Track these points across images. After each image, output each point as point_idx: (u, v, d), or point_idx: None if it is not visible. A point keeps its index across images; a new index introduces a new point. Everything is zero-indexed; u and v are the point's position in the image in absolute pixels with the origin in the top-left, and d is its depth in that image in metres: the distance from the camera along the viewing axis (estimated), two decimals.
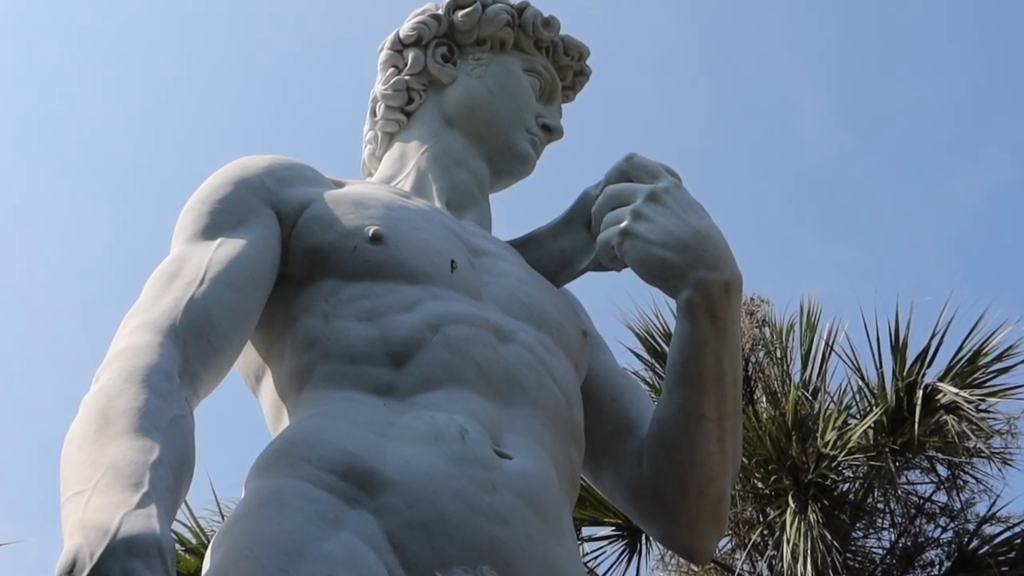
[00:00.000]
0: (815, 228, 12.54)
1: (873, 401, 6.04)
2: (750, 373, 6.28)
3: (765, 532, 5.88)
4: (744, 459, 5.13)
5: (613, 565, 5.95)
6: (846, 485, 6.01)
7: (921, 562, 6.03)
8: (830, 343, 6.22)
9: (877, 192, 12.41)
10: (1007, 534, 5.93)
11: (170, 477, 1.12)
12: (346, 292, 1.41)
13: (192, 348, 1.28)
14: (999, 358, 6.02)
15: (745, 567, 5.98)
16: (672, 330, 1.98)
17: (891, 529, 6.10)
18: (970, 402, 5.76)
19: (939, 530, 6.09)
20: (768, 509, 5.86)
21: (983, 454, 5.90)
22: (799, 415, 5.90)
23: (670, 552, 5.44)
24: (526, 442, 1.35)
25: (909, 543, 6.07)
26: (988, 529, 6.00)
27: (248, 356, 1.49)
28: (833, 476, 5.73)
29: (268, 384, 1.47)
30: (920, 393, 5.83)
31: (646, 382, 6.03)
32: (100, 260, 12.21)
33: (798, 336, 6.31)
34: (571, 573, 1.33)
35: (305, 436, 1.29)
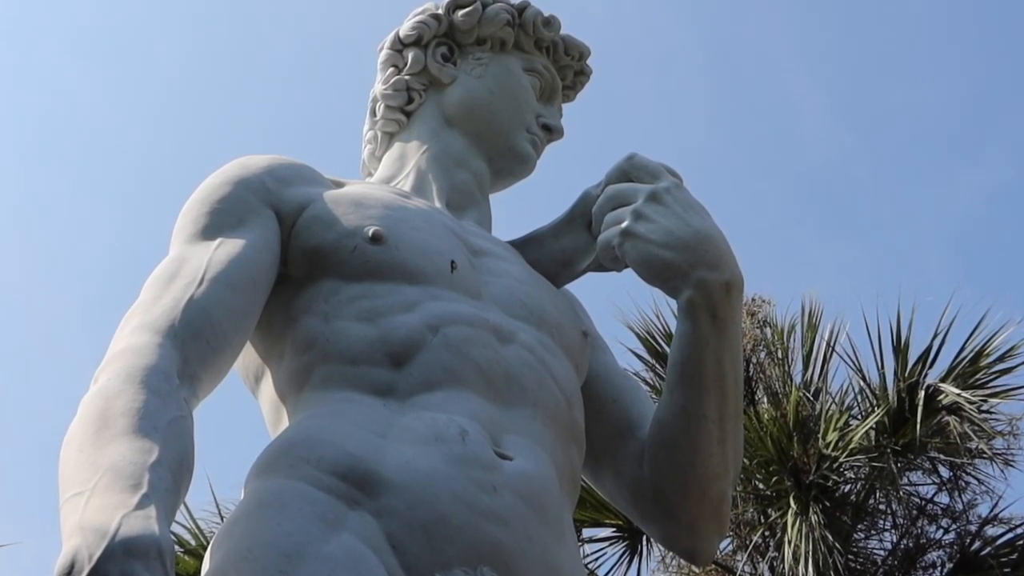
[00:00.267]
0: (816, 228, 12.54)
1: (875, 402, 6.04)
2: (751, 374, 6.28)
3: (766, 533, 5.87)
4: (745, 460, 5.12)
5: (614, 566, 5.95)
6: (848, 486, 6.00)
7: (923, 563, 6.02)
8: (831, 344, 6.22)
9: (878, 192, 12.41)
10: (1009, 535, 5.92)
11: (169, 478, 1.12)
12: (346, 292, 1.40)
13: (191, 349, 1.28)
14: (1001, 359, 6.02)
15: (746, 568, 5.97)
16: (673, 331, 1.97)
17: (893, 530, 6.09)
18: (972, 403, 5.75)
19: (941, 531, 6.09)
20: (769, 510, 5.85)
21: (985, 455, 5.89)
22: (800, 416, 5.90)
23: (671, 553, 5.44)
24: (526, 443, 1.35)
25: (911, 544, 6.06)
26: (990, 530, 5.99)
27: (247, 357, 1.49)
28: (835, 477, 5.73)
29: (267, 385, 1.46)
30: (922, 394, 5.82)
31: (647, 383, 6.03)
32: (100, 260, 12.22)
33: (799, 337, 6.30)
34: (571, 574, 1.32)
35: (305, 437, 1.29)
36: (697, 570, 5.92)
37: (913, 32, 12.42)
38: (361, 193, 1.54)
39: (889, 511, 6.09)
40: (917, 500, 6.11)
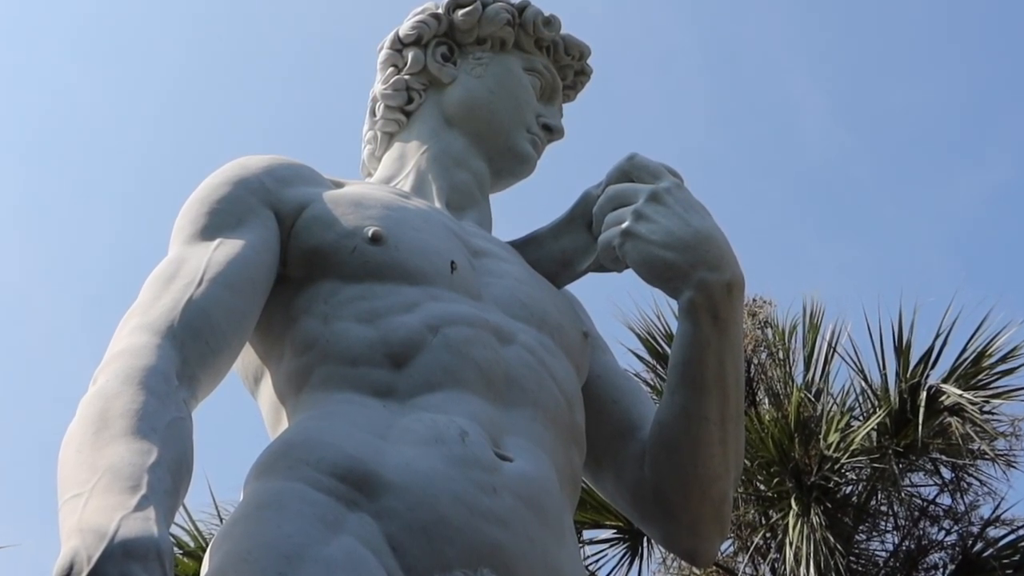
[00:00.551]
0: (817, 228, 12.53)
1: (876, 403, 6.03)
2: (752, 375, 6.27)
3: (768, 535, 5.87)
4: (746, 461, 5.11)
5: (615, 568, 5.94)
6: (849, 487, 5.99)
7: (925, 565, 6.01)
8: (833, 344, 6.21)
9: (879, 192, 12.40)
10: (1011, 537, 5.91)
11: (168, 480, 1.11)
12: (345, 293, 1.40)
13: (190, 350, 1.27)
14: (1003, 359, 6.01)
15: (747, 570, 5.97)
16: (674, 331, 1.97)
17: (894, 532, 6.08)
18: (974, 404, 5.74)
19: (943, 533, 6.07)
20: (770, 512, 5.84)
21: (987, 456, 5.88)
22: (802, 417, 5.89)
23: (672, 555, 5.43)
24: (527, 444, 1.35)
25: (912, 546, 6.05)
26: (992, 532, 5.98)
27: (247, 358, 1.48)
28: (836, 478, 5.72)
29: (267, 386, 1.46)
30: (924, 395, 5.81)
31: (647, 384, 6.02)
32: (100, 260, 12.23)
33: (801, 337, 6.30)
34: None
35: (304, 438, 1.29)
36: (698, 572, 5.91)
37: (913, 32, 12.42)
38: (360, 193, 1.53)
39: (891, 512, 6.08)
40: (919, 501, 6.10)
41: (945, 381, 5.94)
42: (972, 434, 5.73)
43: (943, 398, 5.86)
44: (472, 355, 1.37)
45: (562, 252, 1.61)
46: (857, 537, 5.97)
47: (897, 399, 5.95)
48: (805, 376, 6.22)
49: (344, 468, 1.24)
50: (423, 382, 1.34)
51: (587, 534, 5.90)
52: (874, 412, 5.98)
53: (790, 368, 6.31)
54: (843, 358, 6.26)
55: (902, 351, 6.09)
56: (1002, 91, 12.27)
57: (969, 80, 12.71)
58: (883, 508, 6.09)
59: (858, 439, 5.72)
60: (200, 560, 2.09)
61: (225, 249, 1.37)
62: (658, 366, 6.21)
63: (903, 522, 6.07)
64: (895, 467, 5.78)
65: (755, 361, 6.36)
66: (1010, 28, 11.98)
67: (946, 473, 6.06)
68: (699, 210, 1.46)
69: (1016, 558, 5.80)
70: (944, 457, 6.01)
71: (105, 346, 1.29)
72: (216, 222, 1.42)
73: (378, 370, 1.35)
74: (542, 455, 1.35)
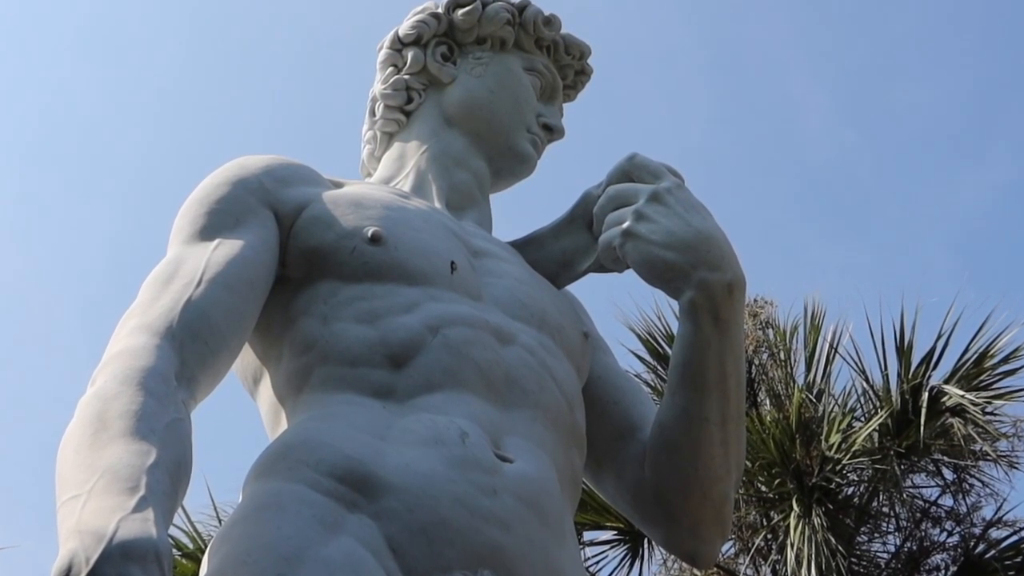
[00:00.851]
0: (819, 229, 12.52)
1: (878, 404, 6.02)
2: (753, 375, 6.27)
3: (769, 536, 5.86)
4: (747, 462, 5.11)
5: (615, 570, 5.93)
6: (851, 489, 5.98)
7: (927, 566, 5.99)
8: (834, 345, 6.20)
9: (881, 192, 12.39)
10: (1013, 538, 5.90)
11: (167, 481, 1.11)
12: (345, 293, 1.39)
13: (189, 350, 1.27)
14: (1005, 360, 6.00)
15: (749, 572, 5.96)
16: (674, 332, 1.96)
17: (896, 533, 6.07)
18: (976, 404, 5.73)
19: (945, 534, 6.06)
20: (772, 513, 5.83)
21: (989, 457, 5.88)
22: (803, 418, 5.88)
23: (673, 556, 5.41)
24: (527, 445, 1.34)
25: (914, 547, 6.04)
26: (994, 533, 5.97)
27: (246, 358, 1.48)
28: (837, 479, 5.71)
29: (266, 387, 1.46)
30: (925, 396, 5.81)
31: (648, 385, 6.02)
32: (98, 260, 12.23)
33: (802, 338, 6.29)
34: None
35: (303, 439, 1.28)
36: (699, 573, 5.90)
37: (917, 31, 12.41)
38: (360, 193, 1.53)
39: (892, 514, 6.07)
40: (921, 503, 6.09)
41: (947, 382, 5.94)
42: (974, 435, 5.72)
43: (945, 399, 5.85)
44: (472, 356, 1.36)
45: (562, 252, 1.60)
46: (859, 538, 5.96)
47: (899, 400, 5.94)
48: (806, 377, 6.21)
49: (343, 469, 1.23)
50: (423, 383, 1.34)
51: (588, 535, 5.89)
52: (876, 413, 5.97)
53: (791, 369, 6.30)
54: (844, 359, 6.25)
55: (904, 352, 6.08)
56: (1006, 90, 12.26)
57: (973, 79, 12.71)
58: (885, 509, 6.08)
59: (860, 440, 5.72)
60: (199, 562, 2.09)
61: (224, 249, 1.37)
62: (659, 367, 6.20)
63: (905, 523, 6.06)
64: (897, 468, 5.77)
65: (756, 362, 6.36)
66: (1014, 27, 11.97)
67: (948, 474, 6.05)
68: (700, 210, 1.45)
69: (1018, 559, 5.79)
70: (946, 458, 6.00)
71: (103, 347, 1.28)
72: (215, 222, 1.41)
73: (378, 371, 1.34)
74: (543, 456, 1.35)
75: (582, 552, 4.94)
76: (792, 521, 5.54)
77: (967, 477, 5.97)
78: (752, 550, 5.83)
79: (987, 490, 5.93)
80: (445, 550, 1.19)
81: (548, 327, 1.49)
